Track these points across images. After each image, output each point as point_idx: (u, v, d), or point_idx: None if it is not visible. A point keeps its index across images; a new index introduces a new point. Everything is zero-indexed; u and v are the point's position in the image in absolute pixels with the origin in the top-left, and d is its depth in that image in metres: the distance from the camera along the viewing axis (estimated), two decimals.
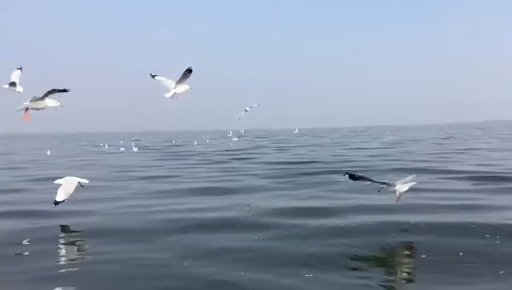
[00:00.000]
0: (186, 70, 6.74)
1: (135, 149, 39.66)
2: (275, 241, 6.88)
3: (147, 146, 50.37)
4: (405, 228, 7.42)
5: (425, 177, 12.62)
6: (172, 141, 64.37)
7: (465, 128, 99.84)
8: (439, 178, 13.57)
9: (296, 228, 7.62)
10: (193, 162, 24.20)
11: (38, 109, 6.54)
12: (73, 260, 6.35)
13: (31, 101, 6.44)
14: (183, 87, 6.99)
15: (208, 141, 60.38)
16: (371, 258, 5.97)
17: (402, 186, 6.64)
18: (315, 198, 10.72)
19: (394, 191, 6.70)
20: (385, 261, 5.95)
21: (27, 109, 6.49)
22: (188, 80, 6.85)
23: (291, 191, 11.96)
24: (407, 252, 6.38)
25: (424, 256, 5.95)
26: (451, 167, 16.44)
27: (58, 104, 6.59)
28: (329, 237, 6.96)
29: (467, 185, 12.27)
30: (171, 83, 6.98)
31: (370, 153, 26.45)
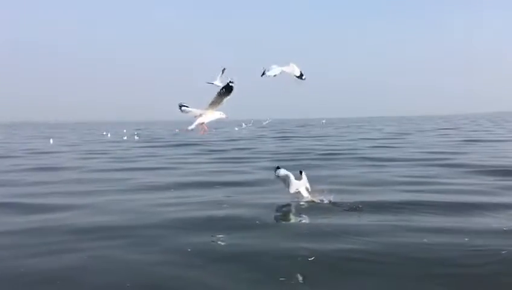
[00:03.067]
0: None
1: (136, 138, 39.93)
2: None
3: (148, 135, 50.16)
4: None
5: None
6: (175, 130, 64.15)
7: None
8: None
9: None
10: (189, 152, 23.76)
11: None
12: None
13: (200, 114, 5.92)
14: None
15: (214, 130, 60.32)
16: None
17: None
18: None
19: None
20: None
21: (201, 124, 6.00)
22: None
23: None
24: None
25: None
26: None
27: (224, 115, 6.01)
28: None
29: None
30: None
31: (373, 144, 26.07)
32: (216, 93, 5.69)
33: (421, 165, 14.48)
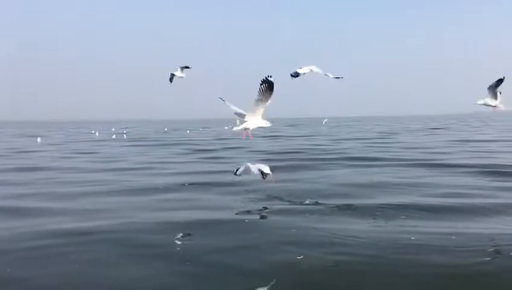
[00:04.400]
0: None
1: (125, 137, 39.75)
2: None
3: (137, 134, 49.77)
4: None
5: None
6: (164, 129, 64.02)
7: None
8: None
9: None
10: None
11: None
12: None
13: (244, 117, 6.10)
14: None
15: (200, 129, 60.42)
16: None
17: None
18: None
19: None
20: None
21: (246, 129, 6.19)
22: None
23: None
24: None
25: None
26: None
27: (269, 124, 6.15)
28: None
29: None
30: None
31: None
32: (258, 92, 5.59)
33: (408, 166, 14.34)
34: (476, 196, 9.04)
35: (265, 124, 6.11)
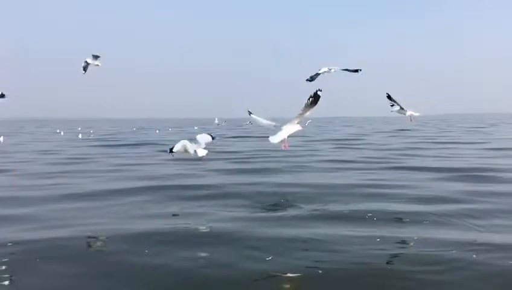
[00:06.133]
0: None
1: (91, 136, 38.61)
2: None
3: (103, 133, 48.49)
4: None
5: None
6: (133, 129, 62.84)
7: None
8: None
9: None
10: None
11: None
12: None
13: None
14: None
15: (170, 129, 59.66)
16: None
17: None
18: None
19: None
20: None
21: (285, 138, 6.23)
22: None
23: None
24: None
25: None
26: None
27: (301, 128, 6.22)
28: None
29: None
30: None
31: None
32: (304, 104, 5.74)
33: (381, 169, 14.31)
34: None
35: (299, 127, 6.19)
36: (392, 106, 7.47)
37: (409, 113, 7.50)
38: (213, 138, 7.01)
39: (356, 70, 6.70)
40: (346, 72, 6.80)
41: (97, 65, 7.02)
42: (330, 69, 6.82)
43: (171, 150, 6.92)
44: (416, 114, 7.54)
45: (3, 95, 5.79)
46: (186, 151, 6.89)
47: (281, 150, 6.98)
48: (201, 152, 6.88)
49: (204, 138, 6.94)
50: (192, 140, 6.89)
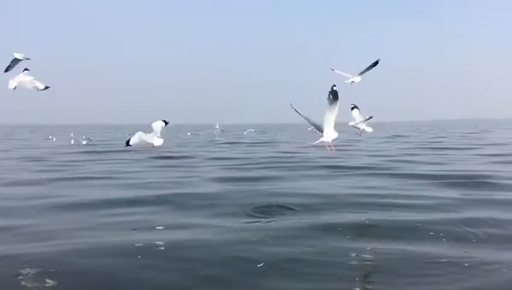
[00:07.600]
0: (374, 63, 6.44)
1: (83, 143, 38.01)
2: None
3: (100, 140, 47.96)
4: None
5: None
6: (126, 135, 62.25)
7: None
8: None
9: None
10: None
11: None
12: None
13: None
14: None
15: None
16: None
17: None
18: None
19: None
20: None
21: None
22: None
23: None
24: None
25: None
26: None
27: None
28: None
29: None
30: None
31: None
32: (327, 102, 5.70)
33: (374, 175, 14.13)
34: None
35: (337, 134, 6.14)
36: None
37: (362, 126, 7.41)
38: (166, 123, 6.85)
39: (376, 63, 6.61)
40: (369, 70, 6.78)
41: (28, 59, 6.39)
42: (355, 78, 6.76)
43: (127, 143, 6.72)
44: (369, 129, 7.48)
45: (48, 87, 6.46)
46: (142, 142, 6.74)
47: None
48: (157, 141, 6.78)
49: (158, 125, 6.80)
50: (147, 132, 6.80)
